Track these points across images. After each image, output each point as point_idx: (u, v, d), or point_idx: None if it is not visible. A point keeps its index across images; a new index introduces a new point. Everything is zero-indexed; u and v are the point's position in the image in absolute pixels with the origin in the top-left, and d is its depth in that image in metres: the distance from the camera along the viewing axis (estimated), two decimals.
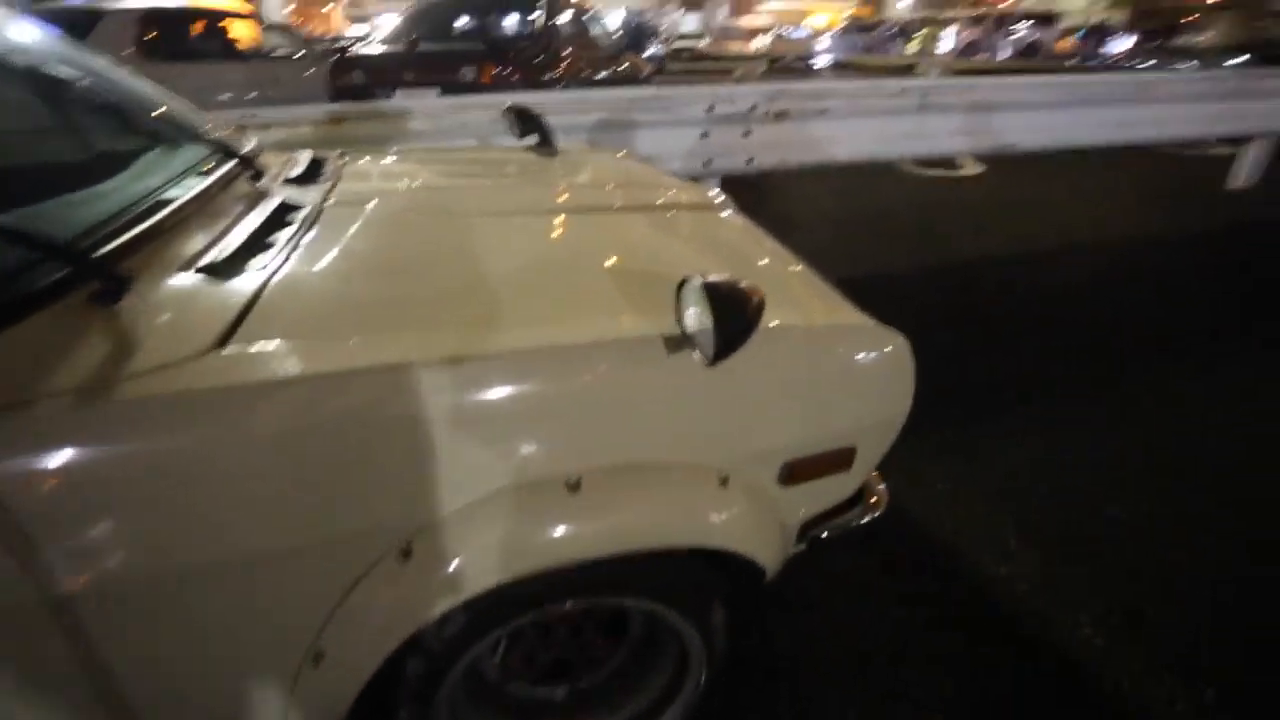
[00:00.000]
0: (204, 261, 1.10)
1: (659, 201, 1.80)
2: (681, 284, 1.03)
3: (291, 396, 0.89)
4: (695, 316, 1.01)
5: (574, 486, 1.04)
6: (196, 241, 1.18)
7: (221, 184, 1.44)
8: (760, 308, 0.98)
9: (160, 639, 0.93)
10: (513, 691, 1.34)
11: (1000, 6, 29.46)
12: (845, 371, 1.22)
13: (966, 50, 19.91)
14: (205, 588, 0.91)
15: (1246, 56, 8.55)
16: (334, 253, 1.28)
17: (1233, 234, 4.76)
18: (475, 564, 1.01)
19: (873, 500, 1.42)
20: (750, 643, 1.68)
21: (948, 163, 6.82)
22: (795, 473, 1.22)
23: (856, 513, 1.39)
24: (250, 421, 0.87)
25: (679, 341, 1.06)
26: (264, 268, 1.15)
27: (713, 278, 0.98)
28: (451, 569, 1.00)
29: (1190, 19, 12.59)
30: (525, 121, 2.33)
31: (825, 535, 1.36)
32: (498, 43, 5.27)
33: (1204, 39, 11.46)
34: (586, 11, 6.80)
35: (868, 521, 1.39)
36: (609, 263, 1.33)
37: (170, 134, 1.54)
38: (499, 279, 1.23)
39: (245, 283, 1.09)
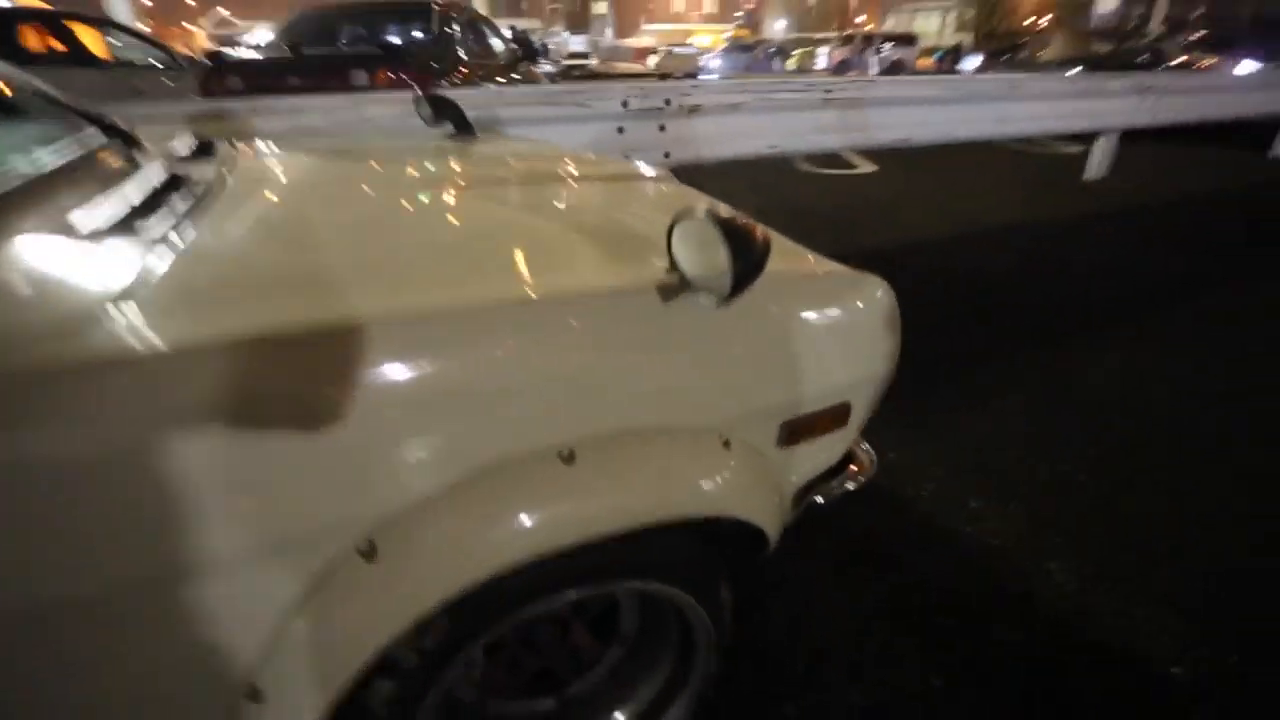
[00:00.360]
0: (91, 227, 0.88)
1: (602, 172, 1.69)
2: (674, 224, 0.93)
3: (208, 367, 0.70)
4: (694, 256, 0.90)
5: (568, 458, 0.90)
6: (78, 206, 0.95)
7: (106, 152, 1.21)
8: (768, 243, 0.89)
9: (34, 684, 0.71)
10: (493, 711, 1.16)
11: (864, 29, 31.76)
12: (837, 319, 1.15)
13: (839, 68, 21.20)
14: (92, 620, 0.70)
15: (1079, 69, 9.74)
16: (241, 221, 1.08)
17: (1100, 218, 5.25)
18: (458, 557, 0.85)
19: (862, 462, 1.35)
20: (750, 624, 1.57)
21: (842, 163, 7.16)
22: (794, 433, 1.14)
23: (848, 475, 1.32)
24: (147, 401, 0.67)
25: (673, 289, 0.95)
26: (161, 236, 0.94)
27: (713, 211, 0.88)
28: (428, 565, 0.83)
29: (1025, 40, 14.56)
30: (440, 108, 2.16)
31: (820, 500, 1.28)
32: (392, 47, 4.99)
33: (1043, 54, 12.94)
34: (480, 22, 6.63)
35: (861, 483, 1.32)
36: (567, 223, 1.20)
37: (38, 106, 1.28)
38: (441, 245, 1.08)
39: (139, 250, 0.88)
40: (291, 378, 0.74)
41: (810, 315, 1.11)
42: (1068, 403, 2.61)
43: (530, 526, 0.88)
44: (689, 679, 1.18)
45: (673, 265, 0.93)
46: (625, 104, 3.48)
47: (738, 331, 1.02)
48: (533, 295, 0.90)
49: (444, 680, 0.92)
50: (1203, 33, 11.12)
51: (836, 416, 1.20)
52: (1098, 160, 6.48)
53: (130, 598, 0.71)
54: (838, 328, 1.15)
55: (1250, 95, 6.76)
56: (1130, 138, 6.14)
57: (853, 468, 1.34)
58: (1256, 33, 10.08)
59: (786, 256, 1.19)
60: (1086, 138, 6.28)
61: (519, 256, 1.03)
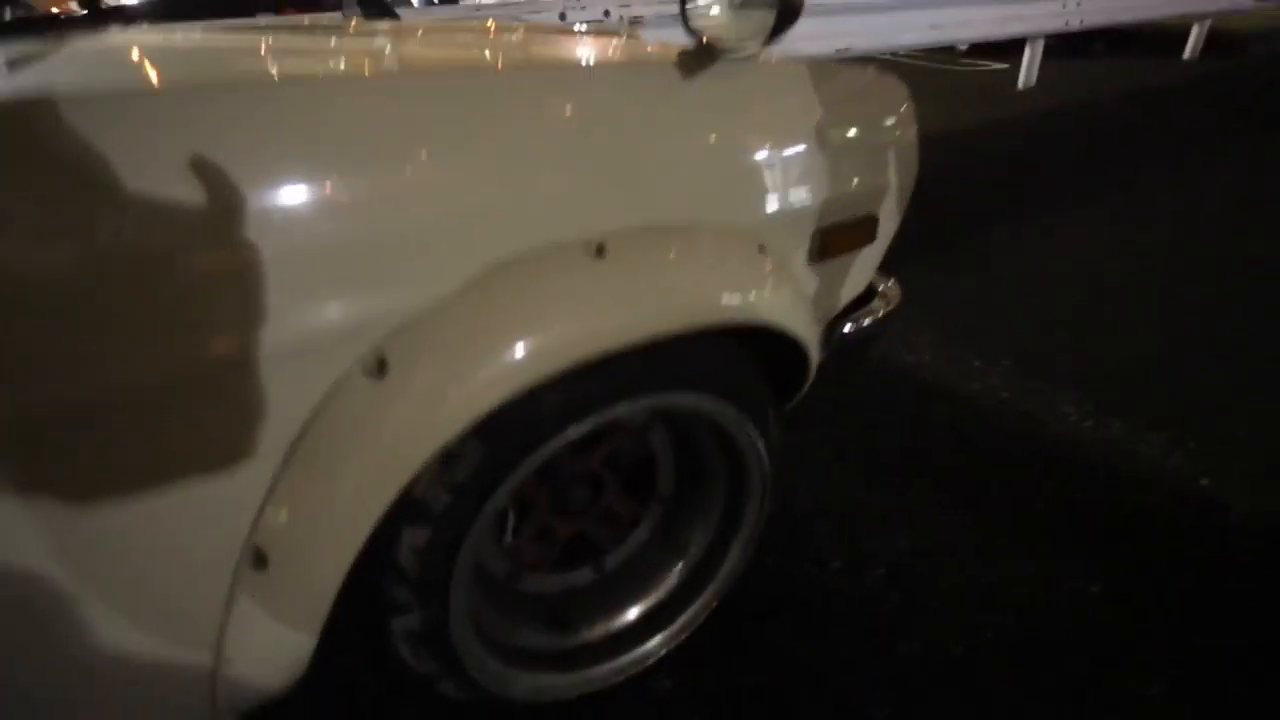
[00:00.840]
0: None
1: (560, 31, 1.53)
2: None
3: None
4: (727, 14, 0.78)
5: (598, 252, 0.76)
6: None
7: None
8: None
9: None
10: (529, 589, 1.04)
11: None
12: (862, 117, 1.07)
13: None
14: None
15: None
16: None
17: (1035, 117, 5.35)
18: (484, 368, 0.71)
19: (888, 294, 1.27)
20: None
21: None
22: (825, 245, 1.04)
23: (876, 306, 1.23)
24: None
25: (698, 59, 0.82)
26: None
27: None
28: (449, 380, 0.69)
29: None
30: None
31: (849, 332, 1.18)
32: None
33: None
34: None
35: (889, 310, 1.24)
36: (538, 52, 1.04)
37: None
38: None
39: None
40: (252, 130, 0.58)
41: (834, 107, 1.00)
42: (1032, 272, 2.64)
43: (564, 329, 0.75)
44: (741, 521, 1.08)
45: (688, 27, 0.81)
46: (563, 14, 3.27)
47: (764, 118, 0.90)
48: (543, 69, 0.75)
49: (480, 524, 0.78)
50: None
51: (865, 228, 1.11)
52: (1025, 70, 6.58)
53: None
54: (861, 123, 1.05)
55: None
56: (1057, 54, 6.26)
57: (879, 300, 1.26)
58: None
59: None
60: (1011, 55, 6.37)
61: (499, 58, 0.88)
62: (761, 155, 0.91)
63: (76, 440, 0.56)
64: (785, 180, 0.94)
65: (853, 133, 1.02)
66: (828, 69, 1.03)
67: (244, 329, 0.59)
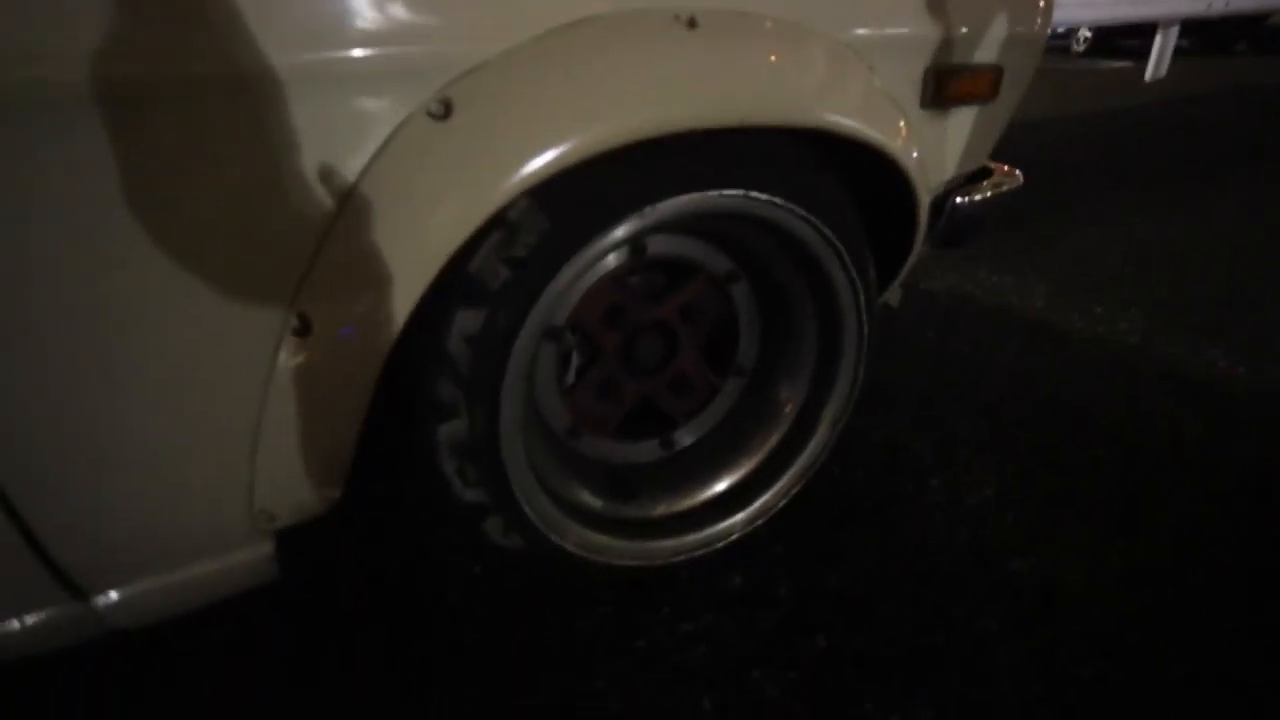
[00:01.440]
0: None
1: None
2: None
3: None
4: None
5: (690, 23, 0.68)
6: None
7: None
8: None
9: None
10: (587, 451, 0.95)
11: None
12: None
13: None
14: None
15: None
16: None
17: (1165, 106, 4.91)
18: (557, 122, 0.64)
19: (1005, 174, 1.12)
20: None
21: None
22: (940, 87, 0.91)
23: (993, 181, 1.09)
24: None
25: None
26: None
27: None
28: (516, 130, 0.62)
29: None
30: None
31: (962, 202, 1.04)
32: None
33: None
34: None
35: (1008, 190, 1.09)
36: None
37: None
38: None
39: None
40: None
41: None
42: (1158, 241, 2.35)
43: (642, 93, 0.66)
44: (834, 385, 0.95)
45: None
46: None
47: None
48: None
49: (540, 310, 0.70)
50: None
51: (985, 79, 0.97)
52: (1155, 61, 6.06)
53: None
54: None
55: None
56: (1191, 53, 5.74)
57: (997, 177, 1.11)
58: None
59: None
60: (1135, 56, 5.89)
61: None
62: None
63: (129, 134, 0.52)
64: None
65: None
66: None
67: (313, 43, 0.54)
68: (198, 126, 0.53)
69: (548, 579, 0.99)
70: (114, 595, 0.68)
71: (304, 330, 0.64)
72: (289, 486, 0.71)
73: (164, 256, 0.57)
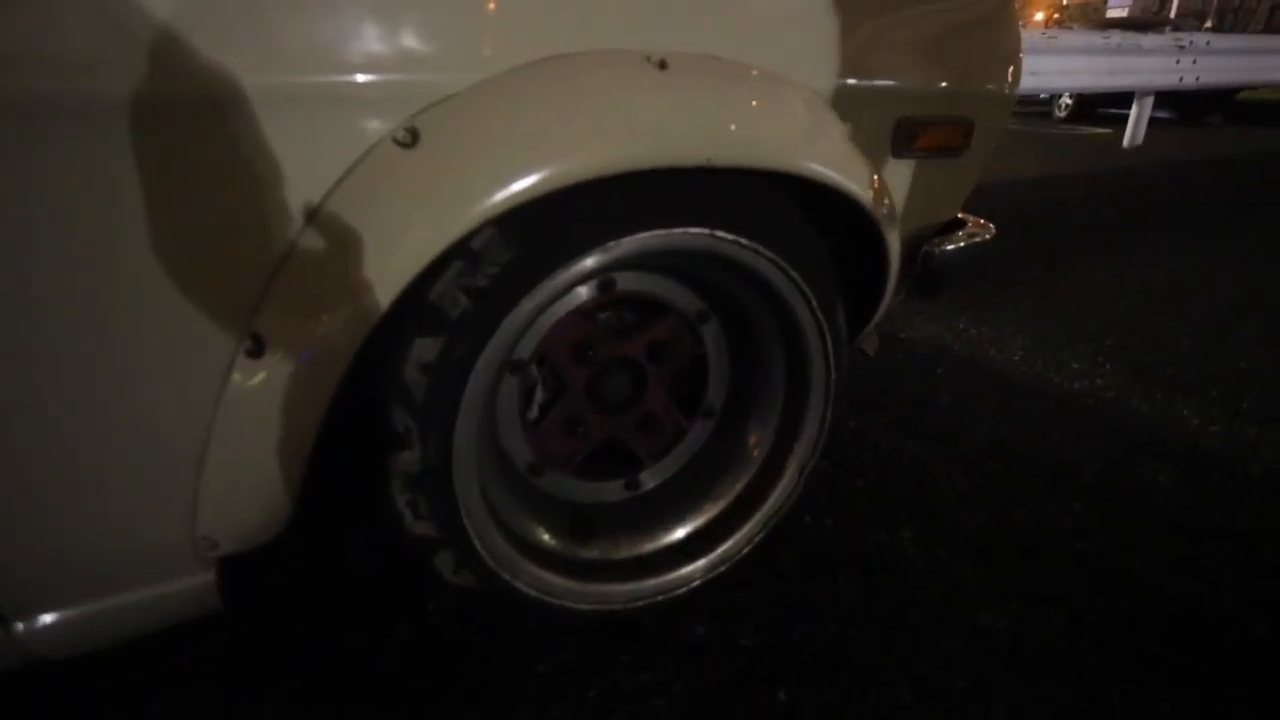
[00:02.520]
0: None
1: None
2: None
3: None
4: None
5: (661, 64, 0.69)
6: None
7: None
8: None
9: None
10: (549, 489, 0.93)
11: None
12: (958, 4, 0.97)
13: None
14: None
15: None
16: None
17: (1141, 172, 5.06)
18: (525, 152, 0.64)
19: (979, 226, 1.13)
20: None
21: None
22: (912, 137, 0.93)
23: (967, 232, 1.10)
24: None
25: None
26: None
27: None
28: (482, 159, 0.63)
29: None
30: None
31: (935, 252, 1.05)
32: None
33: None
34: None
35: (981, 242, 1.10)
36: None
37: None
38: None
39: None
40: None
41: None
42: (1135, 298, 2.38)
43: (610, 129, 0.67)
44: (799, 432, 0.94)
45: None
46: None
47: None
48: None
49: (497, 343, 0.69)
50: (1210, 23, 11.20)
51: (959, 131, 0.99)
52: (1132, 128, 6.29)
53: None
54: (951, 6, 0.96)
55: None
56: (1168, 124, 5.95)
57: (970, 228, 1.12)
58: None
59: None
60: (1113, 123, 6.11)
61: None
62: (836, 15, 0.83)
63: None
64: (861, 52, 0.85)
65: (936, 14, 0.93)
66: None
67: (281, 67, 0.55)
68: (159, 143, 0.53)
69: (506, 621, 0.96)
70: (37, 621, 0.65)
71: (257, 351, 0.62)
72: (234, 512, 0.69)
73: (115, 270, 0.56)
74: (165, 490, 0.65)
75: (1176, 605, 1.04)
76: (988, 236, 1.14)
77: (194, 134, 0.54)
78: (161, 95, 0.52)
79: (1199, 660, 0.94)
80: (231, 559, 0.72)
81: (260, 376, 0.63)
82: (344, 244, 0.62)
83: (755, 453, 0.97)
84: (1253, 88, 7.61)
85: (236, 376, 0.63)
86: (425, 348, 0.67)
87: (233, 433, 0.64)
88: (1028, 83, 4.98)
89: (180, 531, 0.67)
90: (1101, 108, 8.31)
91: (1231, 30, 15.13)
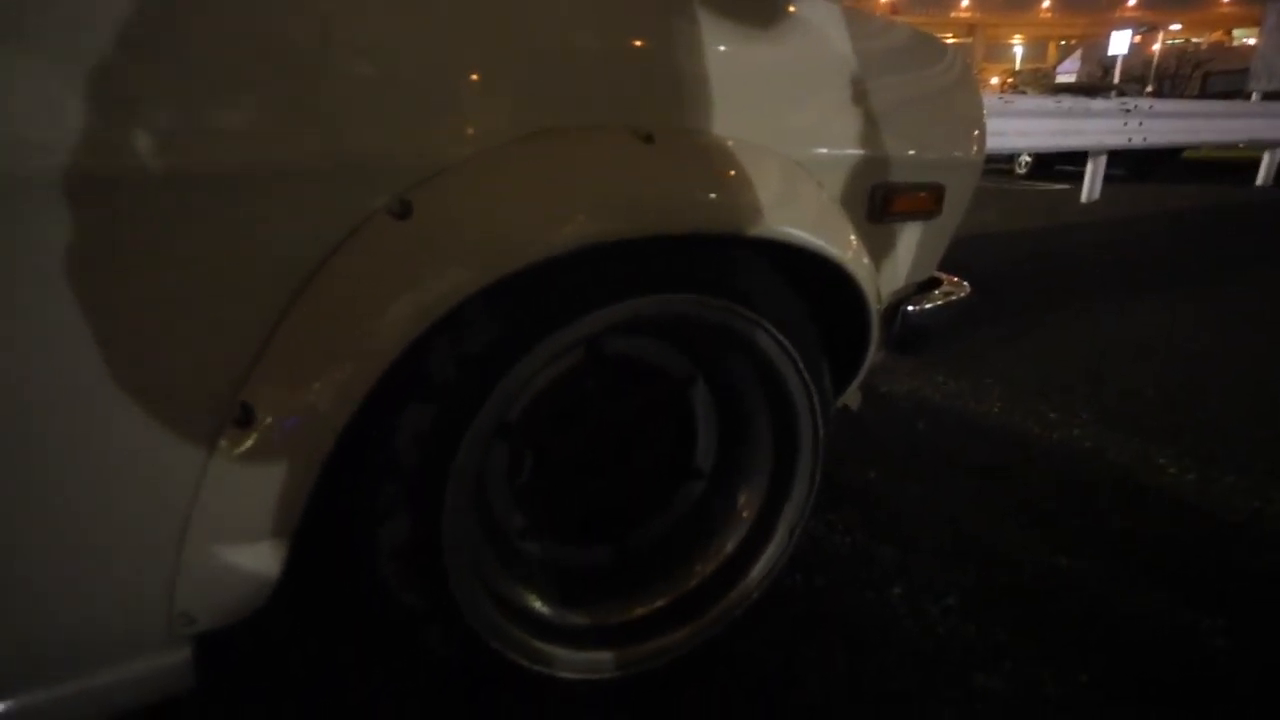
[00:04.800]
0: None
1: None
2: None
3: None
4: None
5: (646, 138, 0.72)
6: None
7: None
8: None
9: None
10: (539, 554, 0.91)
11: None
12: (919, 75, 1.05)
13: None
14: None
15: None
16: None
17: (1100, 226, 5.29)
18: (517, 224, 0.66)
19: (954, 285, 1.18)
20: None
21: None
22: (887, 203, 0.97)
23: (943, 291, 1.14)
24: None
25: None
26: None
27: None
28: (474, 231, 0.64)
29: None
30: None
31: (913, 311, 1.08)
32: None
33: None
34: None
35: (957, 300, 1.14)
36: None
37: None
38: None
39: None
40: None
41: (895, 61, 1.00)
42: (1101, 348, 2.46)
43: (598, 201, 0.69)
44: (790, 492, 0.94)
45: None
46: None
47: (818, 60, 0.88)
48: None
49: (486, 418, 0.69)
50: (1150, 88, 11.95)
51: (931, 196, 1.04)
52: (1088, 185, 6.60)
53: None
54: (917, 79, 1.04)
55: (1237, 121, 6.95)
56: (1120, 180, 6.28)
57: (946, 287, 1.16)
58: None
59: None
60: (1071, 179, 6.42)
61: None
62: (815, 92, 0.88)
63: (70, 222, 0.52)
64: (837, 125, 0.90)
65: (902, 84, 0.98)
66: (878, 20, 1.02)
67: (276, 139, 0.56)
68: (152, 213, 0.54)
69: (491, 694, 0.92)
70: None
71: (246, 421, 0.62)
72: (215, 586, 0.66)
73: (100, 339, 0.55)
74: (143, 564, 0.63)
75: (1172, 658, 1.04)
76: (964, 294, 1.18)
77: (181, 208, 0.54)
78: (151, 171, 0.53)
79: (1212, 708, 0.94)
80: (208, 636, 0.69)
81: (248, 446, 0.62)
82: (337, 313, 0.62)
83: (745, 514, 0.97)
84: (1194, 147, 8.06)
85: (223, 445, 0.62)
86: (415, 417, 0.67)
87: (217, 503, 0.63)
88: (992, 143, 5.18)
89: (156, 608, 0.65)
90: (1059, 165, 8.72)
91: (1170, 95, 16.14)
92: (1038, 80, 18.06)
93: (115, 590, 0.63)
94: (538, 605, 0.87)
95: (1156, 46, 32.26)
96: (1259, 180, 8.04)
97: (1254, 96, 8.35)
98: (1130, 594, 1.17)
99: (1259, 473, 1.57)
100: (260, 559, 0.65)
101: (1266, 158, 8.06)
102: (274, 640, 1.00)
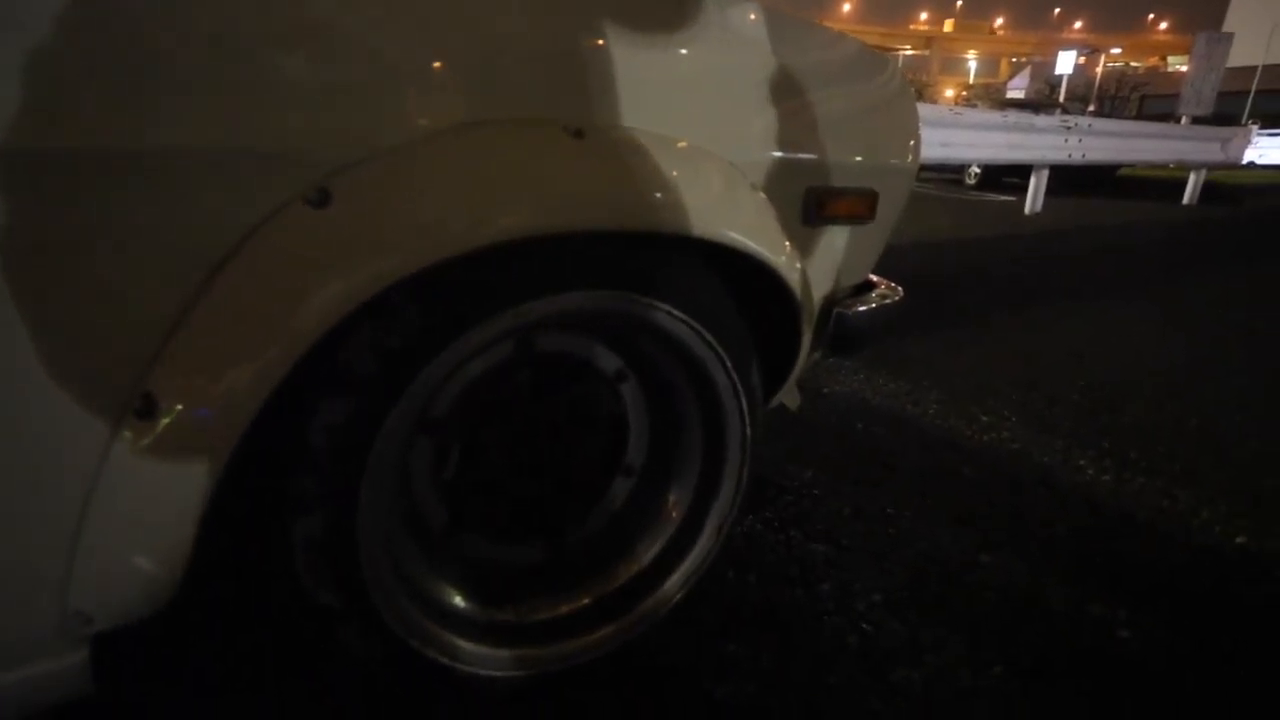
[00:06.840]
0: None
1: None
2: None
3: None
4: None
5: (576, 134, 0.72)
6: None
7: None
8: None
9: None
10: (464, 551, 0.90)
11: None
12: (857, 84, 1.07)
13: None
14: None
15: None
16: None
17: (1042, 235, 5.50)
18: (439, 214, 0.65)
19: (888, 289, 1.20)
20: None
21: None
22: (820, 206, 0.99)
23: (878, 294, 1.17)
24: None
25: None
26: None
27: None
28: (396, 221, 0.63)
29: None
30: None
31: (847, 314, 1.11)
32: None
33: None
34: None
35: (890, 304, 1.17)
36: None
37: None
38: None
39: None
40: None
41: (829, 69, 1.01)
42: (1037, 353, 2.57)
43: (523, 195, 0.68)
44: (718, 491, 0.95)
45: None
46: None
47: (755, 59, 0.89)
48: None
49: (403, 412, 0.68)
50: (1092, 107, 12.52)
51: (864, 201, 1.06)
52: (1031, 198, 6.87)
53: None
54: (856, 91, 1.06)
55: (1168, 143, 7.35)
56: (1061, 193, 6.58)
57: (881, 290, 1.19)
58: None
59: None
60: (1016, 191, 6.69)
61: None
62: (745, 91, 0.88)
63: None
64: (771, 125, 0.91)
65: (839, 92, 1.00)
66: (818, 29, 1.04)
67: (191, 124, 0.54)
68: (48, 193, 0.51)
69: (413, 693, 0.91)
70: None
71: (148, 411, 0.59)
72: (114, 585, 0.64)
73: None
74: (32, 561, 0.60)
75: (1088, 644, 1.08)
76: (896, 298, 1.21)
77: (83, 189, 0.52)
78: (52, 149, 0.50)
79: (1117, 696, 0.99)
80: (106, 635, 0.66)
81: (149, 438, 0.59)
82: (247, 302, 0.60)
83: (674, 512, 0.97)
84: (1130, 165, 8.47)
85: (124, 436, 0.59)
86: (330, 408, 0.65)
87: (115, 498, 0.60)
88: (941, 153, 5.40)
89: (50, 607, 0.62)
90: (1006, 177, 9.06)
91: (1110, 115, 16.90)
92: (990, 95, 18.70)
93: (1, 589, 0.60)
94: (462, 603, 0.86)
95: (1099, 69, 33.81)
96: (1185, 199, 8.51)
97: (1183, 120, 8.81)
98: (1046, 589, 1.22)
99: (1169, 474, 1.66)
100: (160, 556, 0.63)
101: (1193, 178, 8.53)
102: (183, 640, 0.96)
